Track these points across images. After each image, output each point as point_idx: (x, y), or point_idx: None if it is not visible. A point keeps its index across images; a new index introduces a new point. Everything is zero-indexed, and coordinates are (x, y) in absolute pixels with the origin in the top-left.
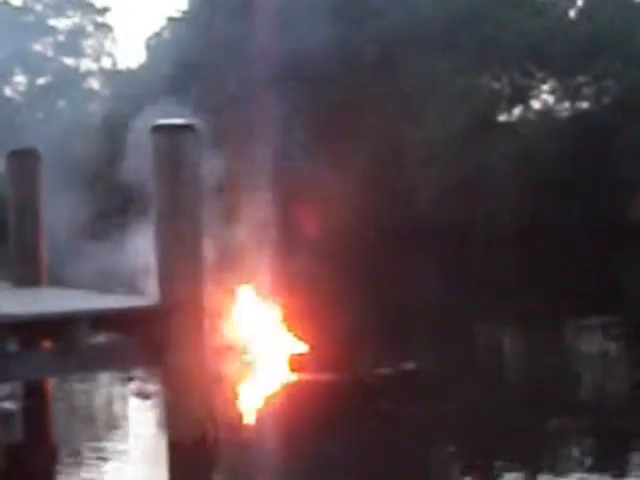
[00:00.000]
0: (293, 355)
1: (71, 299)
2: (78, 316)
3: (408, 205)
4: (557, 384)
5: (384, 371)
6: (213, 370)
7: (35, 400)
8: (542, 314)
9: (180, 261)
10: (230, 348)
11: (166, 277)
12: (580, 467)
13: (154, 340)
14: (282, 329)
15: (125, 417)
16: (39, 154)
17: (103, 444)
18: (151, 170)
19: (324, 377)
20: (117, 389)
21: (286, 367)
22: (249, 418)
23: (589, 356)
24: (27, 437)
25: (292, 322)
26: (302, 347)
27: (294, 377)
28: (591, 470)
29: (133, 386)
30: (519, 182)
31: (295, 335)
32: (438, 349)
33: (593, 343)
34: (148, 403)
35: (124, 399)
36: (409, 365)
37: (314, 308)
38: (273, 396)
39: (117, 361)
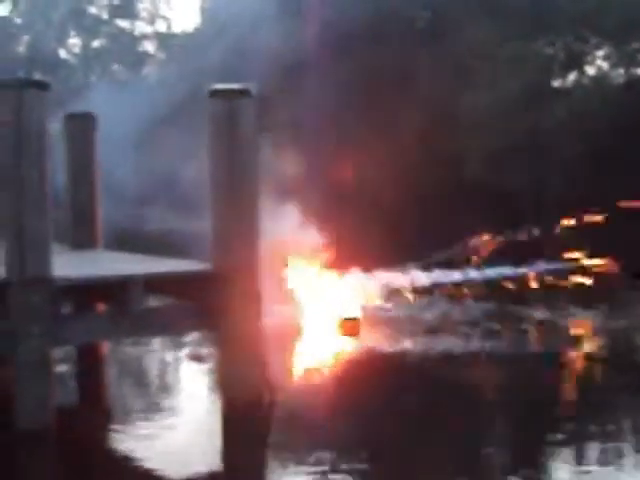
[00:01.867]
0: (348, 319)
1: (126, 262)
2: (132, 280)
3: (459, 169)
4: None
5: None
6: (267, 334)
7: (89, 362)
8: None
9: (235, 226)
10: (285, 312)
11: (221, 242)
12: None
13: (208, 304)
14: (336, 292)
15: (179, 380)
16: (95, 117)
17: (156, 406)
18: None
19: (380, 343)
20: (171, 352)
21: (341, 331)
22: (305, 382)
23: None
24: (81, 399)
25: (346, 285)
26: (357, 312)
27: (349, 342)
28: None
29: (187, 350)
30: (571, 148)
31: (349, 299)
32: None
33: None
34: (202, 366)
35: (178, 362)
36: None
37: (365, 270)
38: (329, 360)
39: (171, 325)
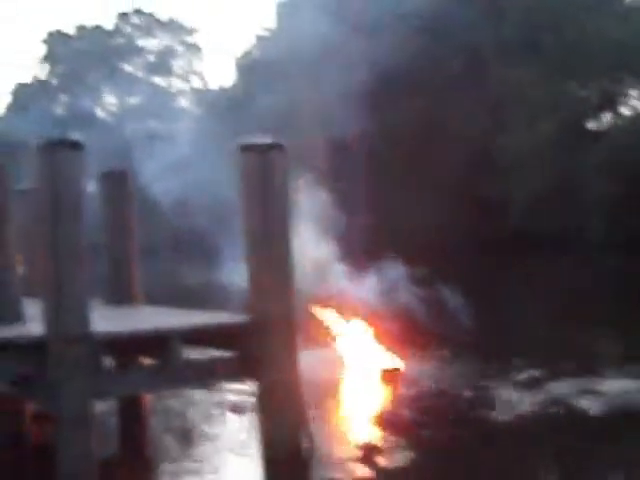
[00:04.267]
0: (389, 370)
1: (163, 316)
2: (171, 333)
3: (500, 212)
4: None
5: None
6: (308, 383)
7: (131, 415)
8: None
9: (270, 278)
10: (327, 361)
11: (257, 294)
12: None
13: (246, 355)
14: (377, 343)
15: (220, 432)
16: (130, 174)
17: (198, 458)
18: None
19: (421, 392)
20: (211, 404)
21: (383, 382)
22: (345, 432)
23: None
24: (123, 451)
25: (387, 336)
26: (398, 362)
27: (391, 392)
28: None
29: (228, 401)
30: (611, 190)
31: (391, 350)
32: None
33: None
34: (243, 418)
35: (219, 414)
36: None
37: (408, 321)
38: (369, 411)
39: (211, 376)
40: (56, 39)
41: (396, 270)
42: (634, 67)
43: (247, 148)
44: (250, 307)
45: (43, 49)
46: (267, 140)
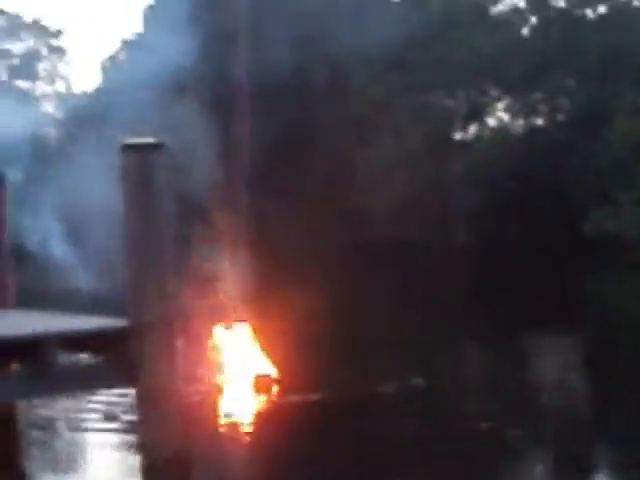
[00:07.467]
0: (266, 376)
1: (39, 320)
2: (47, 338)
3: (362, 224)
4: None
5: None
6: (185, 390)
7: (3, 424)
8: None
9: (150, 283)
10: (203, 369)
11: (136, 298)
12: None
13: (125, 360)
14: (253, 349)
15: (95, 440)
16: (4, 178)
17: (73, 467)
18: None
19: (294, 398)
20: (86, 412)
21: (260, 388)
22: (223, 437)
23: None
24: None
25: (262, 342)
26: (273, 369)
27: (269, 398)
28: None
29: (102, 408)
30: (474, 199)
31: (267, 355)
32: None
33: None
34: (118, 425)
35: (94, 422)
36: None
37: (279, 328)
38: (248, 417)
39: (88, 382)
40: None
41: None
42: (500, 79)
43: (128, 148)
44: (129, 312)
45: None
46: (148, 139)
